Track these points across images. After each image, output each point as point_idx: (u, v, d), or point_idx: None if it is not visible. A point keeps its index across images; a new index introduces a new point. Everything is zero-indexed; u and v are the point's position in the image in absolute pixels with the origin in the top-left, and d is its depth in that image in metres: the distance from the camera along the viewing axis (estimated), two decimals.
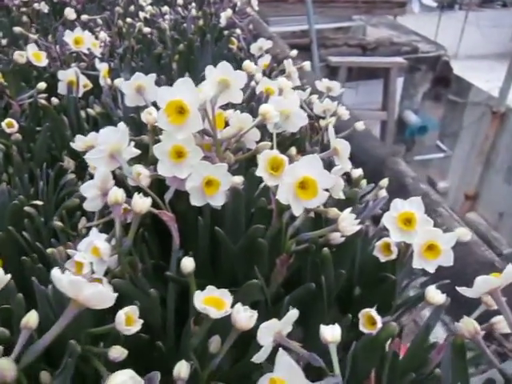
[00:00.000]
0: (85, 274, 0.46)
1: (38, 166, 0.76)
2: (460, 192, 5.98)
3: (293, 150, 0.60)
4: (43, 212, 0.68)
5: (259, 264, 0.53)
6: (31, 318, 0.36)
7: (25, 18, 1.19)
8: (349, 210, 0.49)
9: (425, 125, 4.05)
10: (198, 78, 0.97)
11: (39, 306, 0.43)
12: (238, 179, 0.54)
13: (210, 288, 0.40)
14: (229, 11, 1.21)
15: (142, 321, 0.41)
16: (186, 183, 0.51)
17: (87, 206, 0.52)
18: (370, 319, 0.49)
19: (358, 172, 0.73)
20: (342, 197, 0.54)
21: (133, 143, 0.54)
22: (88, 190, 0.51)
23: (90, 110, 0.83)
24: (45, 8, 1.34)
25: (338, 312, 0.63)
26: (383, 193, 0.72)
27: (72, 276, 0.29)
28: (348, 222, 0.48)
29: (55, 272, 0.30)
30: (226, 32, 1.20)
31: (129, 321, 0.40)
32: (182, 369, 0.42)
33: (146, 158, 0.63)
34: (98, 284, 0.30)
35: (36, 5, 1.34)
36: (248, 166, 0.60)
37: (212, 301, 0.39)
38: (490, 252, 1.02)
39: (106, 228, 0.55)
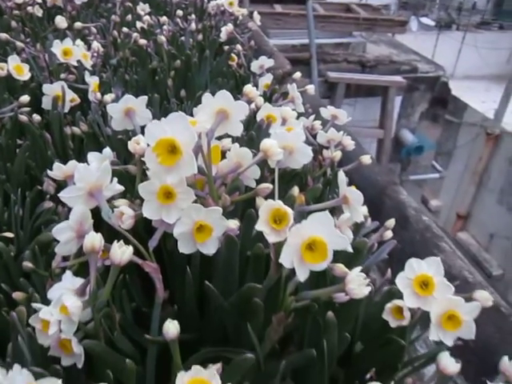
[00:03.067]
0: (51, 335, 0.40)
1: (14, 189, 0.69)
2: (452, 211, 5.96)
3: (295, 191, 0.54)
4: (16, 242, 0.61)
5: (252, 322, 0.47)
6: None
7: (14, 24, 1.12)
8: (358, 269, 0.43)
9: (421, 145, 4.02)
10: (194, 97, 0.92)
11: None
12: (234, 224, 0.48)
13: (197, 368, 0.34)
14: (230, 26, 1.15)
15: None
16: (174, 229, 0.45)
17: (60, 249, 0.45)
18: None
19: (363, 210, 0.67)
20: (350, 250, 0.48)
21: (116, 180, 0.47)
22: (62, 232, 0.45)
23: (75, 129, 0.76)
24: (38, 12, 1.28)
25: (336, 366, 0.57)
26: (389, 234, 0.67)
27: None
28: (356, 284, 0.42)
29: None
30: (226, 47, 1.15)
31: None
32: None
33: (132, 190, 0.57)
34: None
35: (29, 8, 1.27)
36: (244, 206, 0.54)
37: (197, 382, 0.33)
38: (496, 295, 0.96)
39: (83, 268, 0.49)
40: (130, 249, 0.42)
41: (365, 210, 0.67)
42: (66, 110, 0.81)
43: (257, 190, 0.49)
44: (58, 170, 0.54)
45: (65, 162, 0.55)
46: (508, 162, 5.40)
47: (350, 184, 0.58)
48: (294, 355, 0.46)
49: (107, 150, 0.54)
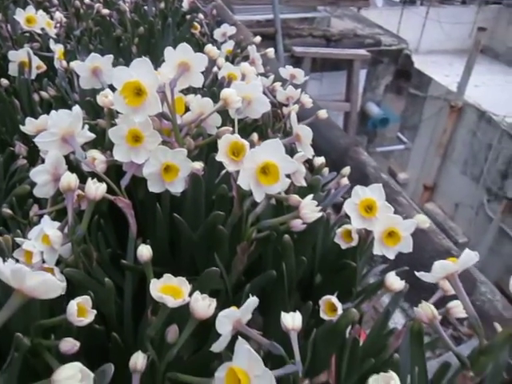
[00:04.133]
0: (34, 264, 0.44)
1: None
2: (419, 183, 6.15)
3: (254, 136, 0.59)
4: None
5: (220, 252, 0.52)
6: None
7: None
8: (310, 196, 0.49)
9: (386, 117, 4.13)
10: (159, 62, 0.95)
11: None
12: (198, 165, 0.53)
13: (167, 276, 0.39)
14: None
15: (95, 311, 0.39)
16: (143, 169, 0.50)
17: (37, 192, 0.49)
18: (331, 306, 0.49)
19: (320, 160, 0.72)
20: (304, 184, 0.53)
21: (87, 126, 0.51)
22: (38, 175, 0.48)
23: (43, 93, 0.79)
24: None
25: (299, 299, 0.63)
26: (345, 181, 0.73)
27: (15, 265, 0.27)
28: (309, 209, 0.48)
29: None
30: (188, 16, 1.17)
31: (81, 311, 0.38)
32: (138, 360, 0.40)
33: (102, 143, 0.61)
34: (43, 273, 0.28)
35: None
36: (209, 153, 0.59)
37: (169, 289, 0.38)
38: (446, 240, 1.05)
39: (60, 216, 0.52)
40: (104, 185, 0.46)
41: (322, 159, 0.73)
42: (33, 77, 0.83)
43: (218, 133, 0.54)
44: (30, 125, 0.58)
45: None
46: (471, 133, 5.59)
47: (313, 147, 0.63)
48: (257, 278, 0.51)
49: (76, 107, 0.57)
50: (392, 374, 0.30)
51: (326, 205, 0.66)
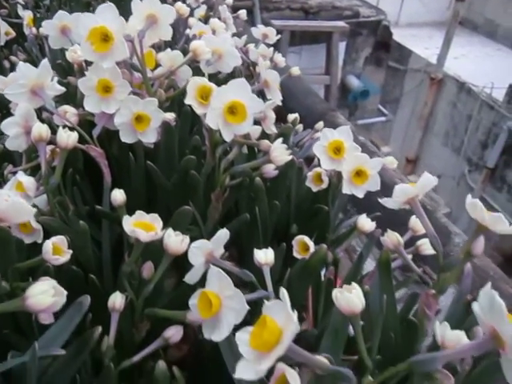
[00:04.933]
0: None
1: None
2: (402, 156, 6.21)
3: None
4: None
5: (195, 200, 0.53)
6: None
7: None
8: (280, 140, 0.50)
9: (367, 89, 4.14)
10: None
11: None
12: (170, 115, 0.53)
13: (140, 213, 0.40)
14: None
15: (71, 251, 0.40)
16: (115, 119, 0.50)
17: (10, 144, 0.49)
18: (304, 246, 0.51)
19: (293, 116, 0.74)
20: (275, 131, 0.54)
21: (56, 79, 0.51)
22: (9, 127, 0.48)
23: (13, 58, 0.78)
24: None
25: (276, 247, 0.64)
26: (319, 134, 0.74)
27: None
28: (279, 152, 0.49)
29: None
30: None
31: (57, 250, 0.39)
32: (116, 300, 0.42)
33: (74, 99, 0.61)
34: (16, 199, 0.29)
35: None
36: (181, 107, 0.59)
37: (142, 225, 0.39)
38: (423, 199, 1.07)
39: (34, 173, 0.53)
40: (75, 134, 0.47)
41: (296, 115, 0.74)
42: (2, 43, 0.82)
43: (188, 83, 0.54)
44: None
45: None
46: (451, 105, 5.64)
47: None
48: (232, 222, 0.53)
49: (45, 60, 0.57)
50: (354, 284, 0.32)
51: (299, 156, 0.67)
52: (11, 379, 0.36)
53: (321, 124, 0.75)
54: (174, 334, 0.42)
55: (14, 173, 0.57)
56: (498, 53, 6.45)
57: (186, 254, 0.40)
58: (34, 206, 0.48)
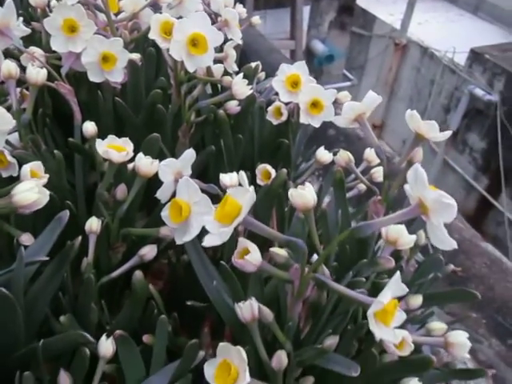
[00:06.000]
0: None
1: None
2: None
3: None
4: None
5: (162, 136, 0.56)
6: None
7: None
8: (240, 75, 0.53)
9: (331, 54, 4.16)
10: None
11: None
12: (135, 55, 0.56)
13: (112, 137, 0.43)
14: None
15: (47, 175, 0.43)
16: (82, 58, 0.52)
17: None
18: (266, 174, 0.55)
19: (254, 63, 0.76)
20: (236, 69, 0.58)
21: (22, 19, 0.53)
22: None
23: None
24: None
25: None
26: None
27: None
28: (240, 86, 0.52)
29: None
30: None
31: (34, 174, 0.42)
32: (92, 222, 0.45)
33: (39, 47, 0.62)
34: None
35: None
36: (145, 49, 0.62)
37: (114, 147, 0.42)
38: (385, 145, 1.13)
39: None
40: (44, 70, 0.49)
41: (258, 62, 0.77)
42: None
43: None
44: None
45: None
46: (415, 70, 5.73)
47: None
48: (198, 155, 0.56)
49: (9, 1, 0.57)
50: (307, 183, 0.36)
51: (261, 97, 0.71)
52: None
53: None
54: (148, 251, 0.45)
55: None
56: (461, 18, 6.55)
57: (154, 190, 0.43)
58: (8, 142, 0.51)
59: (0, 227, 0.44)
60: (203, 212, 0.37)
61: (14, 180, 0.47)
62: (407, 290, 0.30)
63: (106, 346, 0.37)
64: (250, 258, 0.29)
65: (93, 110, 0.59)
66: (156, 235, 0.44)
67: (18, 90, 0.54)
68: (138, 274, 0.42)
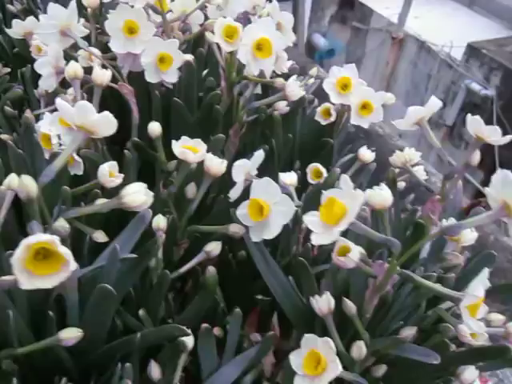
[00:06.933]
0: (54, 146, 0.48)
1: None
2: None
3: None
4: None
5: (215, 134, 0.57)
6: (13, 180, 0.37)
7: None
8: (294, 77, 0.55)
9: (332, 48, 4.18)
10: None
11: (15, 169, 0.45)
12: (189, 56, 0.57)
13: (185, 138, 0.44)
14: None
15: (122, 175, 0.44)
16: (141, 59, 0.53)
17: (43, 84, 0.52)
18: (317, 172, 0.57)
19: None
20: (286, 70, 0.59)
21: (82, 20, 0.54)
22: (42, 66, 0.51)
23: (11, 7, 0.78)
24: None
25: None
26: (312, 80, 0.79)
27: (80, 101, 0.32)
28: (294, 87, 0.54)
29: (60, 100, 0.33)
30: None
31: (111, 174, 0.43)
32: (159, 221, 0.46)
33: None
34: (106, 113, 0.32)
35: None
36: (194, 49, 0.63)
37: (189, 148, 0.44)
38: (401, 141, 1.16)
39: None
40: (109, 71, 0.50)
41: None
42: None
43: (205, 26, 0.58)
44: (17, 27, 0.59)
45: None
46: (412, 64, 5.75)
47: None
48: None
49: (73, 2, 0.57)
50: (382, 184, 0.38)
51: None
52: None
53: (314, 70, 0.80)
54: (214, 247, 0.47)
55: (36, 114, 0.60)
56: (457, 12, 6.57)
57: None
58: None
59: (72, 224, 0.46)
60: (285, 211, 0.39)
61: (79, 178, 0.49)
62: (489, 284, 0.32)
63: (191, 339, 0.39)
64: (352, 255, 0.31)
65: (142, 109, 0.61)
66: (225, 232, 0.46)
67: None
68: (212, 269, 0.44)
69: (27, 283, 0.25)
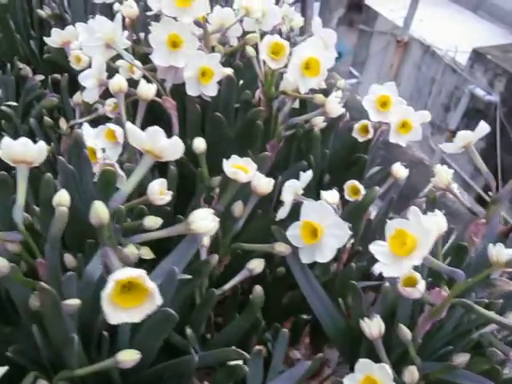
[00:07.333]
0: (99, 160, 0.48)
1: None
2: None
3: None
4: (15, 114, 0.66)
5: (253, 148, 0.57)
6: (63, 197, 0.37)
7: None
8: (334, 94, 0.55)
9: (340, 50, 4.18)
10: None
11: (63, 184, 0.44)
12: (229, 70, 0.57)
13: (235, 157, 0.44)
14: None
15: (171, 192, 0.44)
16: (184, 73, 0.53)
17: (87, 96, 0.52)
18: (354, 189, 0.57)
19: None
20: (324, 86, 0.59)
21: (126, 33, 0.54)
22: (86, 78, 0.51)
23: (40, 12, 0.78)
24: None
25: None
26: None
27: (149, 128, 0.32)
28: (334, 104, 0.54)
29: (130, 125, 0.33)
30: None
31: (161, 193, 0.43)
32: (203, 238, 0.46)
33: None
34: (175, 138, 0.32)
35: None
36: (231, 63, 0.63)
37: (239, 168, 0.44)
38: (418, 152, 1.16)
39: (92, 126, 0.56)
40: (154, 86, 0.50)
41: None
42: None
43: (245, 41, 0.58)
44: (56, 36, 0.59)
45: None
46: (416, 68, 5.76)
47: None
48: (289, 169, 0.58)
49: (118, 15, 0.57)
50: (436, 211, 0.38)
51: None
52: None
53: (342, 82, 0.80)
54: (257, 265, 0.47)
55: (73, 125, 0.60)
56: (461, 16, 6.58)
57: None
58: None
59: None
60: (339, 236, 0.39)
61: None
62: None
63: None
64: (420, 287, 0.31)
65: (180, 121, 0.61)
66: (270, 251, 0.46)
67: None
68: (259, 289, 0.44)
69: (114, 317, 0.25)
